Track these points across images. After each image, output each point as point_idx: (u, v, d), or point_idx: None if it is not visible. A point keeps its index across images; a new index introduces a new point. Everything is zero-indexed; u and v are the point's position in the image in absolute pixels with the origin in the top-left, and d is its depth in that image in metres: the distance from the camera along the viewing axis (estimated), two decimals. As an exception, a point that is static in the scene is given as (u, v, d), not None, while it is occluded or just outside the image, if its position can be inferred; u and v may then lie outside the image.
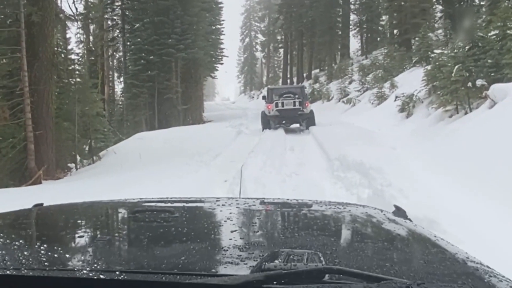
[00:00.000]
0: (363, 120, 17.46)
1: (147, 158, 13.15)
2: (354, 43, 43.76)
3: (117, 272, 0.84)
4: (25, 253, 1.01)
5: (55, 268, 0.91)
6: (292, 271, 0.80)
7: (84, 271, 0.87)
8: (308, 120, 17.14)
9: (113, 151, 16.01)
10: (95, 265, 0.93)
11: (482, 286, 0.74)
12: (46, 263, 0.93)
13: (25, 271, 0.86)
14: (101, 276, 0.82)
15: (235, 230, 1.27)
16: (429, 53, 18.60)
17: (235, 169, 9.24)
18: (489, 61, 10.66)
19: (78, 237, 1.24)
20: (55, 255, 0.99)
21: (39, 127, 12.88)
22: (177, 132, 19.72)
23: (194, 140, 15.62)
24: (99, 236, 1.26)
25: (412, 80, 17.09)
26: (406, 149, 9.96)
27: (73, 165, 15.76)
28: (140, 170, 10.94)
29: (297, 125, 17.64)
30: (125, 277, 0.82)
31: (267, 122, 17.53)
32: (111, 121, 25.94)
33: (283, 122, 17.63)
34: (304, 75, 46.67)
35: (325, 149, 11.03)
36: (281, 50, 55.97)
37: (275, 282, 0.78)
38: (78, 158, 16.24)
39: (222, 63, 41.67)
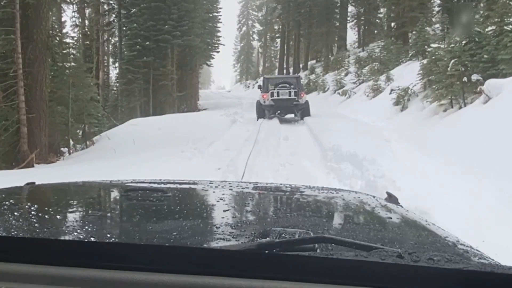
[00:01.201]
0: (357, 112, 17.48)
1: (141, 145, 13.12)
2: (352, 35, 43.64)
3: (107, 241, 0.84)
4: (15, 223, 1.01)
5: (41, 235, 0.91)
6: (284, 240, 0.81)
7: (74, 239, 0.87)
8: (303, 111, 17.13)
9: (107, 136, 15.95)
10: (85, 237, 0.93)
11: (472, 266, 0.75)
12: (35, 231, 0.94)
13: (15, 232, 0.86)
14: (92, 239, 0.83)
15: (228, 210, 1.28)
16: (426, 47, 18.59)
17: (229, 157, 9.25)
18: (485, 56, 10.68)
19: (70, 212, 1.24)
20: (45, 228, 0.99)
21: (32, 110, 12.79)
22: (171, 119, 19.65)
23: (189, 128, 15.59)
24: (90, 212, 1.26)
25: (408, 73, 17.11)
26: (400, 142, 10.00)
27: (66, 149, 15.70)
28: (134, 156, 10.91)
29: (292, 115, 17.63)
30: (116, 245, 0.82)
31: (262, 111, 17.50)
32: (105, 107, 25.80)
33: (278, 112, 17.61)
34: (301, 65, 46.53)
35: (319, 139, 11.05)
36: (278, 40, 55.71)
37: (266, 251, 0.78)
38: (71, 142, 16.17)
39: (218, 51, 41.45)
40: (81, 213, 1.23)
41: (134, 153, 11.40)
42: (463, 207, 5.02)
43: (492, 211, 4.87)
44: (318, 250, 0.82)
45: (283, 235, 0.90)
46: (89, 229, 0.99)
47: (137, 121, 19.03)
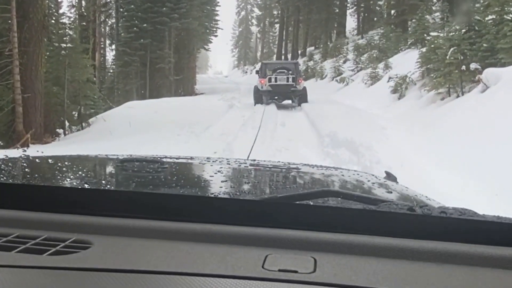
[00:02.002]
0: (355, 100, 17.45)
1: (137, 127, 13.05)
2: (351, 22, 43.34)
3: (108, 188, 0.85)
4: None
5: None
6: (288, 194, 0.80)
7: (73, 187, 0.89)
8: (301, 97, 17.08)
9: (103, 118, 15.85)
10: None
11: (488, 218, 0.75)
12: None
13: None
14: (86, 186, 0.85)
15: (226, 181, 1.27)
16: (425, 35, 18.51)
17: (225, 142, 9.23)
18: (484, 45, 10.64)
19: (64, 178, 1.23)
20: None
21: (28, 90, 12.67)
22: (168, 102, 19.55)
23: (185, 112, 15.52)
24: (86, 179, 1.24)
25: (407, 62, 17.05)
26: (397, 130, 10.01)
27: (61, 130, 15.61)
28: (130, 138, 10.88)
29: (289, 101, 17.58)
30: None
31: (260, 96, 17.44)
32: (101, 89, 25.59)
33: (276, 97, 17.55)
34: (299, 52, 46.27)
35: (316, 125, 11.04)
36: (277, 26, 55.27)
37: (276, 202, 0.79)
38: (67, 123, 16.08)
39: (216, 35, 41.10)
40: (75, 180, 1.21)
41: (130, 136, 11.36)
42: (455, 194, 5.04)
43: (487, 196, 4.90)
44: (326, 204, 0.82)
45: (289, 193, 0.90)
46: (82, 195, 0.98)
47: (134, 104, 18.91)
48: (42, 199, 0.86)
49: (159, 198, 0.85)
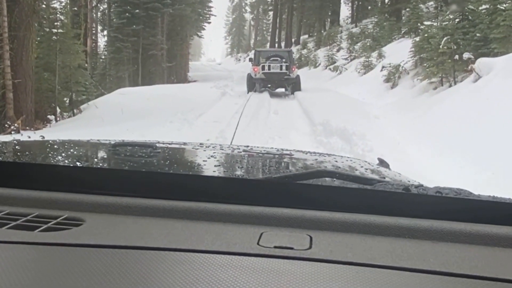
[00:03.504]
0: (348, 89, 17.45)
1: (129, 114, 12.97)
2: (345, 10, 43.14)
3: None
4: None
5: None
6: (283, 174, 0.80)
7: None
8: (294, 85, 17.05)
9: (95, 105, 15.73)
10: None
11: (483, 198, 0.76)
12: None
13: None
14: (78, 164, 0.85)
15: (219, 165, 1.27)
16: (419, 24, 18.50)
17: (218, 129, 9.21)
18: (477, 34, 10.66)
19: (55, 157, 1.22)
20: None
21: (18, 76, 12.52)
22: (161, 89, 19.42)
23: (178, 99, 15.44)
24: (78, 159, 1.23)
25: (400, 51, 17.04)
26: (389, 118, 10.04)
27: (52, 117, 15.46)
28: (122, 124, 10.81)
29: (283, 89, 17.54)
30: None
31: (253, 84, 17.39)
32: (93, 75, 25.31)
33: (269, 85, 17.50)
34: (293, 40, 46.05)
35: (309, 114, 11.04)
36: (271, 13, 54.88)
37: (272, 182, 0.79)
38: (58, 110, 15.92)
39: (209, 22, 40.79)
40: (66, 162, 1.20)
41: (122, 122, 11.29)
42: (448, 176, 5.09)
43: (475, 184, 4.95)
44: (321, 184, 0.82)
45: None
46: (73, 177, 0.98)
47: (126, 91, 18.78)
48: (34, 177, 0.85)
49: (152, 176, 0.84)
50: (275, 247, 0.66)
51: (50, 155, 1.23)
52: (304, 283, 0.56)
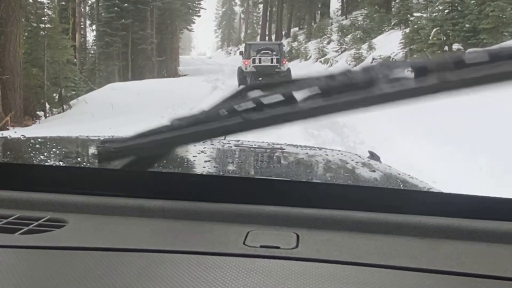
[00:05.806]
0: (339, 81, 17.47)
1: (119, 109, 12.90)
2: (335, 2, 43.09)
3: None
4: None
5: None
6: (270, 173, 0.79)
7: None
8: (285, 78, 17.04)
9: (84, 100, 15.61)
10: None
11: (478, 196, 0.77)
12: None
13: None
14: (61, 164, 0.83)
15: (209, 161, 1.26)
16: (409, 16, 18.56)
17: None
18: (467, 25, 10.71)
19: (38, 157, 1.20)
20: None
21: (6, 72, 12.38)
22: (151, 84, 19.31)
23: (169, 93, 15.37)
24: (62, 158, 1.21)
25: (390, 42, 17.10)
26: (380, 110, 10.07)
27: (42, 113, 15.34)
28: (112, 119, 10.75)
29: (274, 82, 17.52)
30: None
31: (244, 78, 17.35)
32: (82, 70, 25.11)
33: (260, 78, 17.46)
34: (283, 33, 45.95)
35: (300, 107, 11.04)
36: (261, 6, 54.68)
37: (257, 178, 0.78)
38: (48, 106, 15.79)
39: (199, 15, 40.52)
40: (52, 159, 1.18)
41: (112, 117, 11.22)
42: (438, 173, 5.13)
43: (466, 176, 5.00)
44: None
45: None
46: (60, 175, 0.96)
47: (116, 86, 18.64)
48: (13, 177, 0.82)
49: (136, 175, 0.82)
50: (261, 246, 0.65)
51: (32, 153, 1.21)
52: (290, 283, 0.55)
